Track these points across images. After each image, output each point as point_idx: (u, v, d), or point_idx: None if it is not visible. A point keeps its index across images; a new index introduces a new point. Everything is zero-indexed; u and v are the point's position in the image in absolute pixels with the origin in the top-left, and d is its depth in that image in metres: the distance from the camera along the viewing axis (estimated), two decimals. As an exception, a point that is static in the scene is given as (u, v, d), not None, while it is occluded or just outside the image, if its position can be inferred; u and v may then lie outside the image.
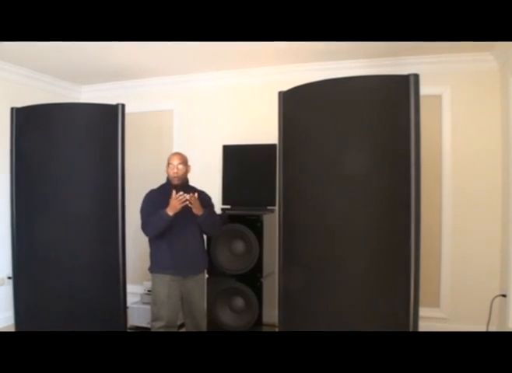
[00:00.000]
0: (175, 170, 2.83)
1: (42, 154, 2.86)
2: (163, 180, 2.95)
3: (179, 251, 2.78)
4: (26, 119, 2.94)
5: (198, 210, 2.73)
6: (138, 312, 3.70)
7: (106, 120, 2.86)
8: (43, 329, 2.57)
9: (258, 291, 3.30)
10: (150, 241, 2.87)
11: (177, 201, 2.64)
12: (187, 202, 2.66)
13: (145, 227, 2.79)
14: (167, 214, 2.67)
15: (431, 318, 3.27)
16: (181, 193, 2.66)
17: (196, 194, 2.70)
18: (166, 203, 2.71)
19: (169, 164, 2.86)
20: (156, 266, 2.84)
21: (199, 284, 2.97)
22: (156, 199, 2.82)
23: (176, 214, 2.67)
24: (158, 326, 2.78)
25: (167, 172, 2.88)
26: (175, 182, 2.84)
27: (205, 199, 2.92)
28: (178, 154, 2.94)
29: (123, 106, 2.88)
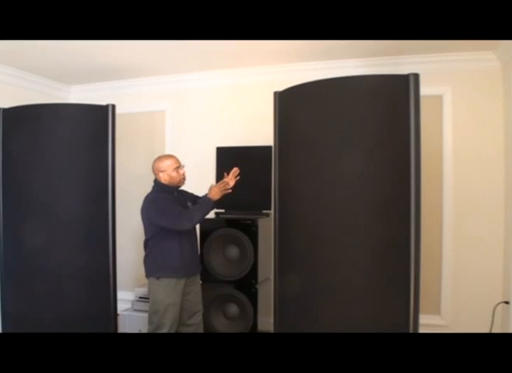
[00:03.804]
0: (183, 171, 2.81)
1: (29, 156, 2.80)
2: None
3: (189, 251, 2.75)
4: (12, 120, 2.89)
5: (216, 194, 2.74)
6: (129, 320, 3.62)
7: (96, 122, 2.82)
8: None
9: (253, 298, 3.23)
10: (153, 244, 2.71)
11: (222, 187, 2.71)
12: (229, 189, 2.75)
13: (186, 218, 2.61)
14: (212, 199, 2.68)
15: (432, 326, 3.19)
16: (227, 179, 2.77)
17: None
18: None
19: (178, 167, 2.77)
20: (162, 271, 2.68)
21: (198, 285, 2.91)
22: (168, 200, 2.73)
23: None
24: None
25: (174, 177, 2.76)
26: (183, 183, 2.83)
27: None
28: (174, 156, 2.86)
29: (113, 106, 2.84)
